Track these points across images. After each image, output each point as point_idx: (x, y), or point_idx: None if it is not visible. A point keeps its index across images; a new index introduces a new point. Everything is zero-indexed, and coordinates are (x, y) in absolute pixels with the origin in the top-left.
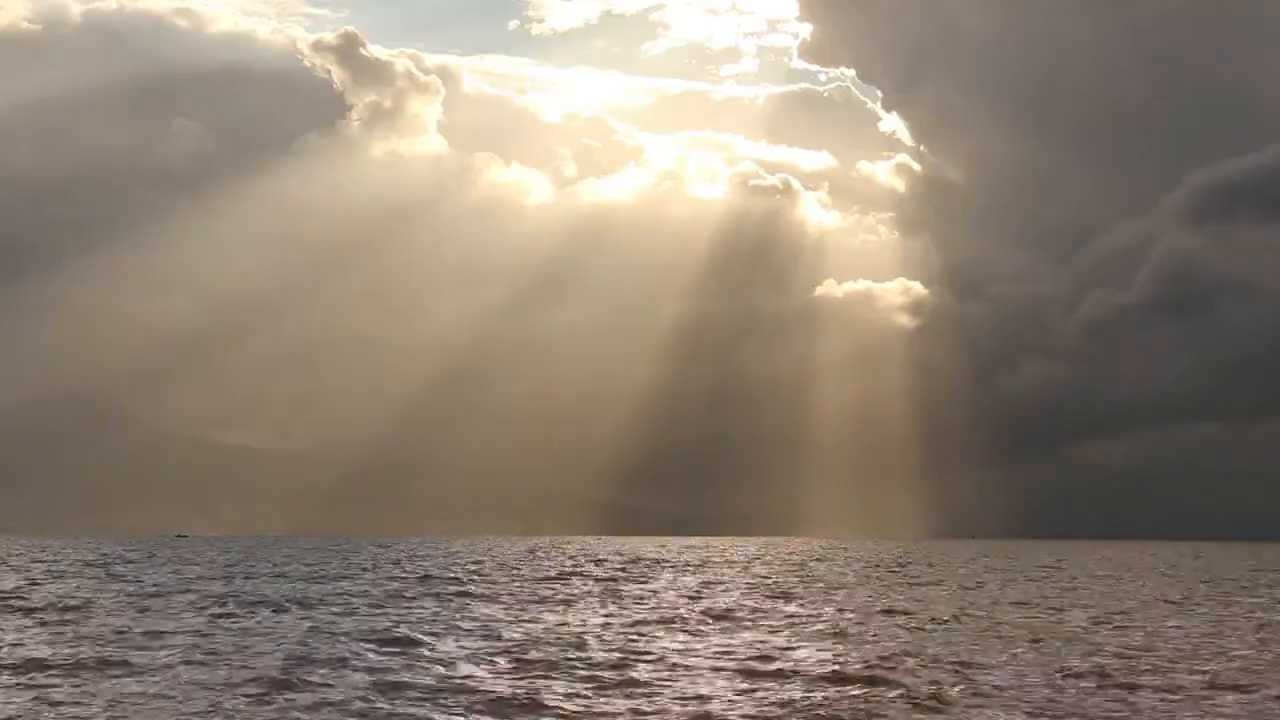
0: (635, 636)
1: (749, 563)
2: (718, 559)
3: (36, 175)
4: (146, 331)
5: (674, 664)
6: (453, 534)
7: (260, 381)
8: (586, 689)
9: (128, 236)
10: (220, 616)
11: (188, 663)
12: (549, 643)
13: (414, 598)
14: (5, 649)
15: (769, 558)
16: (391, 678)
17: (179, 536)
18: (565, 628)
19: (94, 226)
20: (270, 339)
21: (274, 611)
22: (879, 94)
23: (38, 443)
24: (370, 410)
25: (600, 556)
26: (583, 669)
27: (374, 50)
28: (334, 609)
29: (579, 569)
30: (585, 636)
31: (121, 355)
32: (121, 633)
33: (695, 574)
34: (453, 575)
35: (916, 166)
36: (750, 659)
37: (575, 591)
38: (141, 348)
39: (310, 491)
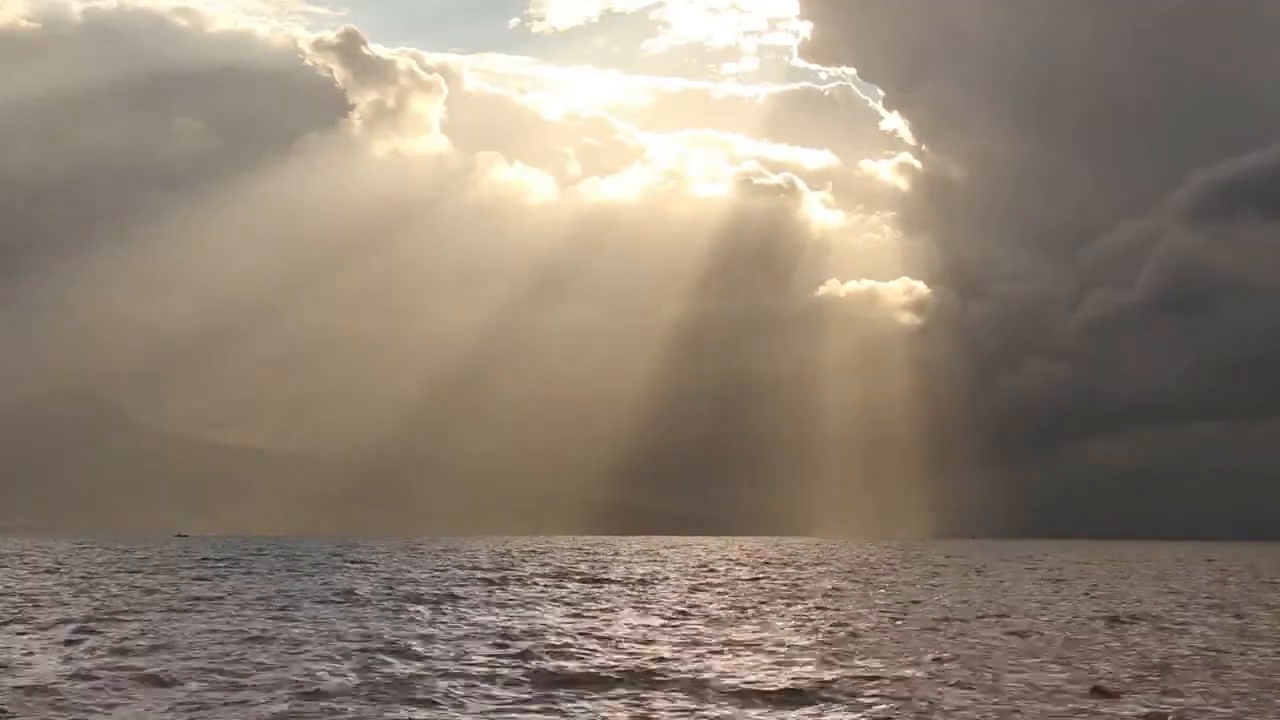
0: None
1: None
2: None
3: (36, 175)
4: (146, 331)
5: None
6: (455, 534)
7: (260, 381)
8: None
9: (128, 236)
10: None
11: None
12: None
13: None
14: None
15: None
16: None
17: (179, 536)
18: None
19: (94, 226)
20: (270, 339)
21: None
22: (880, 93)
23: (38, 443)
24: (371, 410)
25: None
26: None
27: (375, 49)
28: None
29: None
30: None
31: (121, 355)
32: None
33: None
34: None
35: (918, 165)
36: None
37: None
38: (141, 348)
39: (310, 491)
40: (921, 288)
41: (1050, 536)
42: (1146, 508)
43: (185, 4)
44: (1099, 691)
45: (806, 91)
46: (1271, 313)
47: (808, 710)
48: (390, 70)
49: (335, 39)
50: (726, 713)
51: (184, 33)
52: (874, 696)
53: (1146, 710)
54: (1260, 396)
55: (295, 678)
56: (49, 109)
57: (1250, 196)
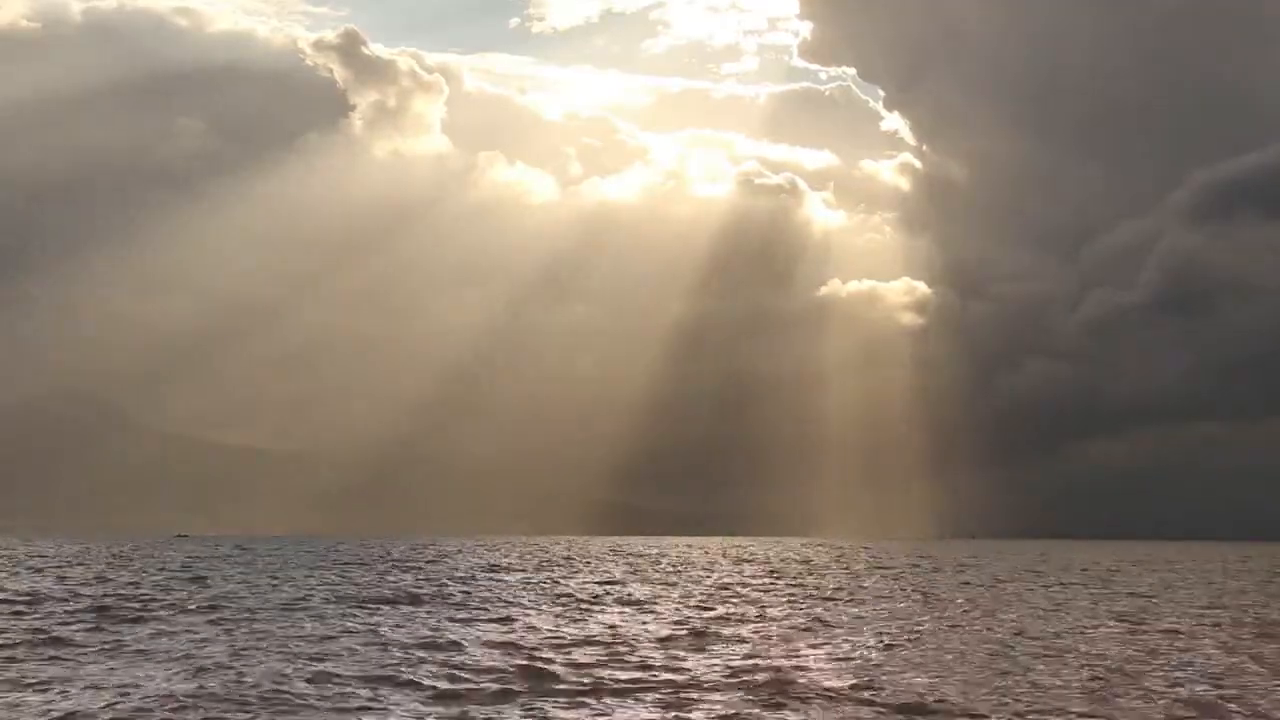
0: None
1: None
2: None
3: (36, 175)
4: (146, 331)
5: None
6: (456, 534)
7: (260, 381)
8: None
9: (128, 236)
10: None
11: None
12: None
13: None
14: None
15: None
16: None
17: (179, 536)
18: None
19: (94, 226)
20: (270, 339)
21: None
22: (880, 93)
23: (38, 443)
24: (371, 410)
25: None
26: None
27: (375, 49)
28: None
29: None
30: None
31: (121, 355)
32: None
33: None
34: None
35: (919, 165)
36: None
37: None
38: (141, 348)
39: (310, 491)
40: (922, 288)
41: (1050, 536)
42: (1146, 508)
43: (185, 4)
44: None
45: (806, 91)
46: (1271, 313)
47: None
48: (391, 70)
49: (335, 39)
50: None
51: (184, 33)
52: None
53: None
54: (1260, 396)
55: None
56: (49, 109)
57: (1250, 196)
